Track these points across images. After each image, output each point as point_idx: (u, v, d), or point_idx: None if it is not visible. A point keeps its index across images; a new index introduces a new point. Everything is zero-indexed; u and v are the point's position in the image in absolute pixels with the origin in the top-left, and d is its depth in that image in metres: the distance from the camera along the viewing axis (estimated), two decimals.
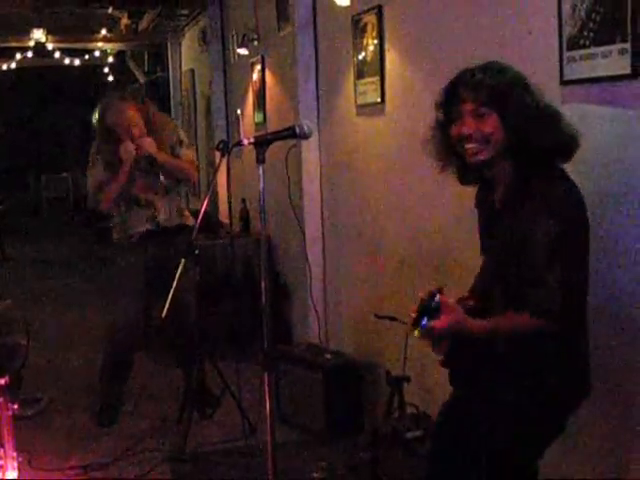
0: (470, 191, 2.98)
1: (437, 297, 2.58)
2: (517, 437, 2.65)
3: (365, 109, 5.18)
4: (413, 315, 2.60)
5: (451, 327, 2.56)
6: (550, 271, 2.46)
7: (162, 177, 5.33)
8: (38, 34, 11.95)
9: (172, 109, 12.41)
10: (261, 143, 3.22)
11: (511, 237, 2.61)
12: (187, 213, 5.55)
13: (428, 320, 2.57)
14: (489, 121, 2.62)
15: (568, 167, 2.77)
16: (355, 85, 5.25)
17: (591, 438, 3.17)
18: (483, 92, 2.61)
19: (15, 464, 4.00)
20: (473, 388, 2.76)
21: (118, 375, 5.48)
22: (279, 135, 3.31)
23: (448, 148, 2.75)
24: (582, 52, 3.02)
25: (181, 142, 5.45)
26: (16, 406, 4.02)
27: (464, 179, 2.85)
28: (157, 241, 5.37)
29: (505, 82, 2.62)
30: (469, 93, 2.64)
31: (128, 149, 5.21)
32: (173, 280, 3.67)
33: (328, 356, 5.21)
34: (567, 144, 2.63)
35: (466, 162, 2.72)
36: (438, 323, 2.55)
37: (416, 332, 2.61)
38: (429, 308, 2.57)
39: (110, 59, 15.27)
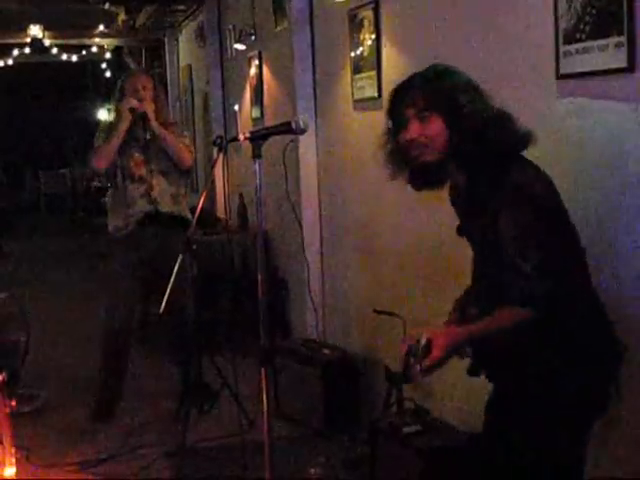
0: None
1: (423, 339, 2.56)
2: (560, 421, 2.61)
3: (362, 104, 5.18)
4: (401, 366, 2.63)
5: (447, 351, 2.56)
6: (525, 259, 2.46)
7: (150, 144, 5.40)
8: (35, 30, 11.96)
9: (170, 105, 12.40)
10: (257, 138, 3.21)
11: (485, 234, 2.61)
12: (185, 203, 5.56)
13: (419, 366, 2.57)
14: (433, 124, 2.61)
15: (565, 163, 2.77)
16: (352, 80, 5.24)
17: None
18: (425, 95, 2.61)
19: (13, 460, 4.01)
20: (508, 381, 2.74)
21: (115, 371, 5.48)
22: (275, 130, 3.31)
23: (398, 155, 2.73)
24: (578, 46, 3.02)
25: (183, 138, 5.54)
26: (14, 402, 4.01)
27: (416, 184, 2.81)
28: (152, 232, 5.38)
29: (448, 85, 2.62)
30: (411, 97, 2.64)
31: (129, 102, 5.32)
32: (170, 276, 3.67)
33: (326, 351, 5.21)
34: (518, 143, 2.61)
35: (414, 166, 2.70)
36: (433, 356, 2.54)
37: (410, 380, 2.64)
38: (416, 351, 2.57)
39: (107, 55, 15.27)
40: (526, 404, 2.65)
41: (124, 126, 5.32)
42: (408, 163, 2.71)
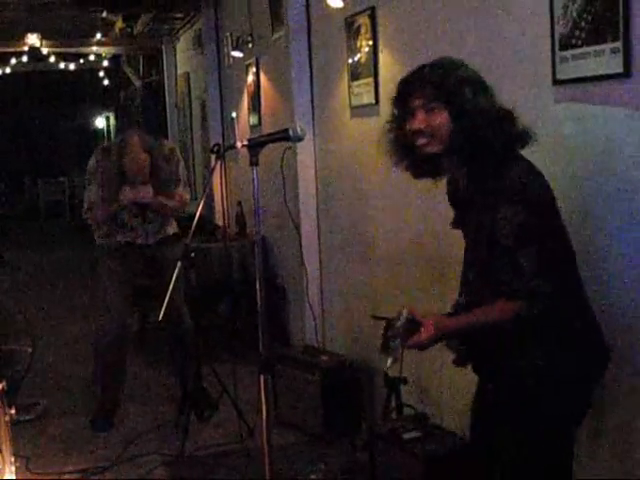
0: None
1: (403, 314, 2.63)
2: (546, 418, 2.65)
3: (359, 110, 5.19)
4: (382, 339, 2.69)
5: (432, 340, 2.63)
6: (523, 256, 2.51)
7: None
8: (33, 39, 11.96)
9: (167, 112, 12.42)
10: (254, 146, 3.21)
11: (480, 229, 2.66)
12: (172, 223, 5.66)
13: (400, 341, 2.62)
14: (438, 116, 2.66)
15: (562, 167, 2.78)
16: (349, 87, 5.25)
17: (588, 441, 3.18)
18: (431, 87, 2.66)
19: (13, 469, 3.99)
20: (495, 375, 2.79)
21: (111, 380, 5.49)
22: (272, 138, 3.30)
23: (402, 143, 2.80)
24: (574, 52, 3.03)
25: (178, 181, 5.57)
26: (14, 411, 4.01)
27: (417, 173, 2.88)
28: (139, 253, 5.51)
29: (454, 79, 2.67)
30: (418, 88, 2.70)
31: (127, 196, 5.37)
32: (165, 283, 3.68)
33: (325, 357, 5.21)
34: (516, 141, 2.66)
35: (418, 156, 2.77)
36: (419, 339, 2.62)
37: (388, 362, 2.65)
38: (395, 324, 2.63)
39: (105, 63, 15.29)
40: (512, 401, 2.69)
41: (114, 209, 5.41)
42: (411, 152, 2.77)
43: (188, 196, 5.66)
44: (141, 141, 5.44)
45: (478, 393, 2.93)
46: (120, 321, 5.40)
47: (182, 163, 5.68)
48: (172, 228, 5.62)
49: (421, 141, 2.70)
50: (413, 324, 2.62)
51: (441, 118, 2.66)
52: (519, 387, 2.67)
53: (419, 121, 2.69)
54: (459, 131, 2.64)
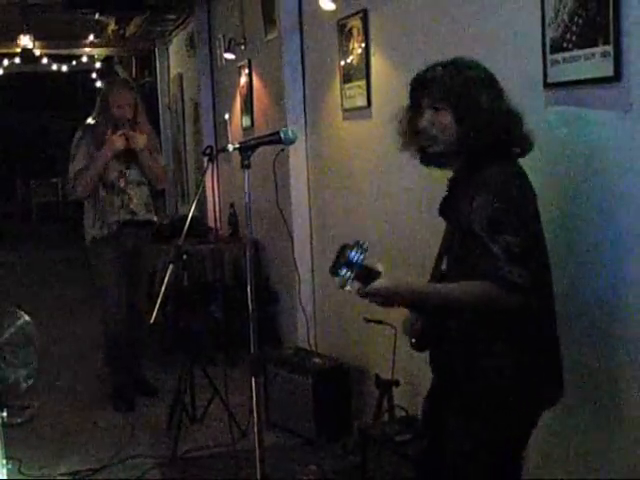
0: None
1: (364, 245, 2.63)
2: (503, 419, 2.70)
3: (352, 113, 5.19)
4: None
5: (393, 288, 2.71)
6: (495, 244, 2.53)
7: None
8: (25, 40, 11.94)
9: (160, 114, 12.41)
10: (246, 148, 3.22)
11: (458, 218, 2.72)
12: (154, 210, 5.87)
13: (352, 275, 2.61)
14: (443, 117, 2.72)
15: (553, 171, 2.79)
16: (342, 89, 5.26)
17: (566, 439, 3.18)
18: (438, 88, 2.73)
19: (4, 471, 3.99)
20: (449, 376, 2.84)
21: (122, 360, 5.73)
22: (264, 140, 3.31)
23: (413, 130, 2.85)
24: (565, 55, 3.04)
25: (157, 150, 5.84)
26: (5, 413, 4.01)
27: (423, 160, 2.91)
28: (127, 233, 5.62)
29: (461, 80, 2.71)
30: (427, 87, 2.77)
31: (116, 141, 5.47)
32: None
33: (317, 360, 5.22)
34: (512, 144, 2.71)
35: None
36: (371, 287, 2.67)
37: (337, 280, 2.64)
38: (353, 260, 2.61)
39: (98, 65, 15.26)
40: (472, 400, 2.74)
41: (110, 157, 5.50)
42: (420, 142, 2.83)
43: (163, 165, 5.94)
44: (127, 80, 5.60)
45: (432, 390, 3.04)
46: (120, 305, 5.63)
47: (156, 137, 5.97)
48: (154, 216, 5.85)
49: (424, 142, 2.78)
50: (372, 273, 2.65)
51: (445, 119, 2.72)
52: (482, 386, 2.71)
53: (426, 120, 2.76)
54: (463, 133, 2.69)
